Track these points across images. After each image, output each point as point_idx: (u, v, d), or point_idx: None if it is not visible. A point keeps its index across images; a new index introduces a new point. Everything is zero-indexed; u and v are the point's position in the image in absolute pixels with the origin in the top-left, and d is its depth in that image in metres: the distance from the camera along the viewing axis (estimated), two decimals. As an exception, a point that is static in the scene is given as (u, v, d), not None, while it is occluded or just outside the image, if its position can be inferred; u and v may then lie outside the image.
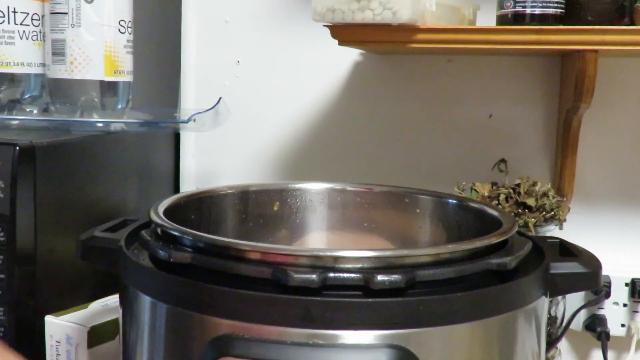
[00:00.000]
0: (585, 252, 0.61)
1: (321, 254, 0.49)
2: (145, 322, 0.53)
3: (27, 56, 0.88)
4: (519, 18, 0.78)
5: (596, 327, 0.93)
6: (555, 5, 0.77)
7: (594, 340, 0.94)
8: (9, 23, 0.85)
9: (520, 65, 0.97)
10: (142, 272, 0.54)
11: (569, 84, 0.86)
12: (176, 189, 1.08)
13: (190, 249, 0.53)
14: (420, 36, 0.78)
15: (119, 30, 0.86)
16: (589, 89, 0.81)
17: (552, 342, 0.85)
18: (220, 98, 0.89)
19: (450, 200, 0.73)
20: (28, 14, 0.87)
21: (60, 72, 0.85)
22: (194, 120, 0.87)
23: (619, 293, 0.93)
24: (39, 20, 0.88)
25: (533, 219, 0.81)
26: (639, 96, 0.94)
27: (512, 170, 0.93)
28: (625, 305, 0.93)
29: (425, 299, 0.48)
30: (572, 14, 0.79)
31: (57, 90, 0.86)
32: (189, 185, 1.09)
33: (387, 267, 0.49)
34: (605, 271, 0.60)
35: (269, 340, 0.46)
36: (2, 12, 0.85)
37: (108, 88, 0.86)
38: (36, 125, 0.85)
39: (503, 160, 0.94)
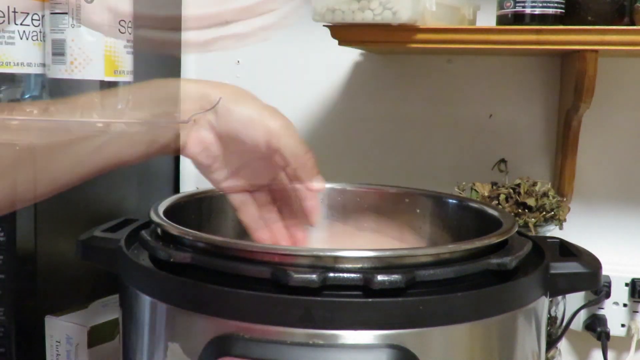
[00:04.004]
0: (585, 252, 0.61)
1: (321, 254, 0.49)
2: (145, 322, 0.53)
3: (27, 56, 0.88)
4: (519, 18, 0.78)
5: (596, 327, 0.93)
6: (555, 5, 0.77)
7: (594, 340, 0.94)
8: (9, 23, 0.85)
9: (520, 65, 0.97)
10: (142, 272, 0.54)
11: (569, 84, 0.86)
12: (176, 189, 1.08)
13: (190, 249, 0.53)
14: (420, 36, 0.78)
15: (119, 30, 0.86)
16: (589, 89, 0.81)
17: (552, 342, 0.85)
18: (220, 98, 0.89)
19: (450, 200, 0.73)
20: (28, 14, 0.86)
21: (60, 72, 0.85)
22: (194, 121, 0.87)
23: (619, 293, 0.93)
24: (39, 20, 0.88)
25: (533, 219, 0.81)
26: (639, 96, 0.94)
27: (512, 170, 0.93)
28: (625, 305, 0.93)
29: (425, 299, 0.48)
30: (572, 14, 0.79)
31: (57, 90, 0.86)
32: (189, 185, 1.09)
33: (387, 267, 0.49)
34: (605, 271, 0.60)
35: (269, 340, 0.46)
36: (2, 12, 0.85)
37: (108, 88, 0.86)
38: (36, 125, 0.85)
39: (503, 160, 0.94)
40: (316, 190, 0.60)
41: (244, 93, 0.59)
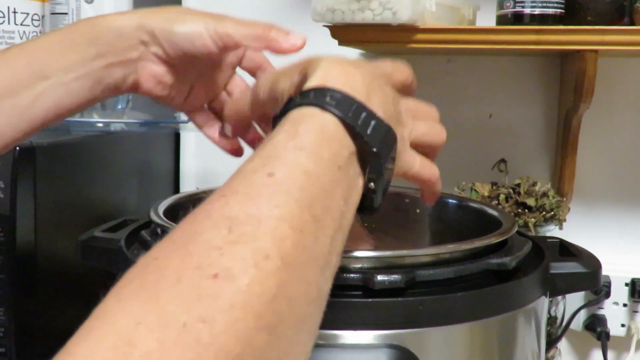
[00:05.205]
0: (585, 252, 0.61)
1: (321, 254, 0.49)
2: (145, 322, 0.53)
3: (27, 56, 0.87)
4: (518, 18, 0.78)
5: (596, 327, 0.93)
6: (555, 5, 0.77)
7: (594, 340, 0.94)
8: (9, 23, 0.85)
9: (520, 65, 0.97)
10: (142, 272, 0.54)
11: (569, 84, 0.86)
12: (176, 189, 1.08)
13: (190, 249, 0.53)
14: (420, 36, 0.78)
15: (119, 30, 0.85)
16: (589, 89, 0.81)
17: (552, 342, 0.85)
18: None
19: (450, 200, 0.73)
20: (28, 14, 0.87)
21: (60, 72, 0.85)
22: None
23: (619, 293, 0.93)
24: (39, 20, 0.88)
25: (533, 219, 0.81)
26: (639, 96, 0.94)
27: (512, 170, 0.93)
28: (625, 305, 0.93)
29: (425, 299, 0.48)
30: (572, 14, 0.79)
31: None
32: (189, 185, 1.09)
33: (386, 267, 0.49)
34: (605, 271, 0.60)
35: (269, 340, 0.46)
36: (2, 12, 0.85)
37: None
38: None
39: (503, 160, 0.94)
40: (295, 43, 0.56)
41: (184, 10, 0.55)
